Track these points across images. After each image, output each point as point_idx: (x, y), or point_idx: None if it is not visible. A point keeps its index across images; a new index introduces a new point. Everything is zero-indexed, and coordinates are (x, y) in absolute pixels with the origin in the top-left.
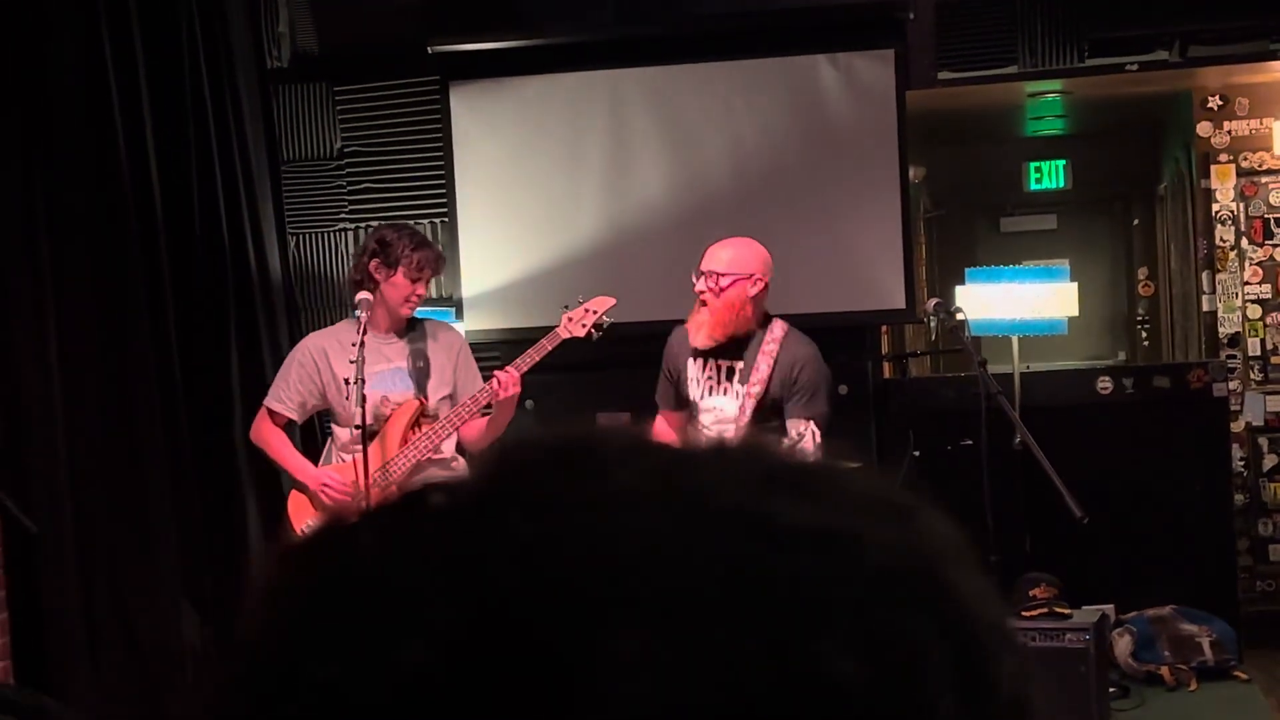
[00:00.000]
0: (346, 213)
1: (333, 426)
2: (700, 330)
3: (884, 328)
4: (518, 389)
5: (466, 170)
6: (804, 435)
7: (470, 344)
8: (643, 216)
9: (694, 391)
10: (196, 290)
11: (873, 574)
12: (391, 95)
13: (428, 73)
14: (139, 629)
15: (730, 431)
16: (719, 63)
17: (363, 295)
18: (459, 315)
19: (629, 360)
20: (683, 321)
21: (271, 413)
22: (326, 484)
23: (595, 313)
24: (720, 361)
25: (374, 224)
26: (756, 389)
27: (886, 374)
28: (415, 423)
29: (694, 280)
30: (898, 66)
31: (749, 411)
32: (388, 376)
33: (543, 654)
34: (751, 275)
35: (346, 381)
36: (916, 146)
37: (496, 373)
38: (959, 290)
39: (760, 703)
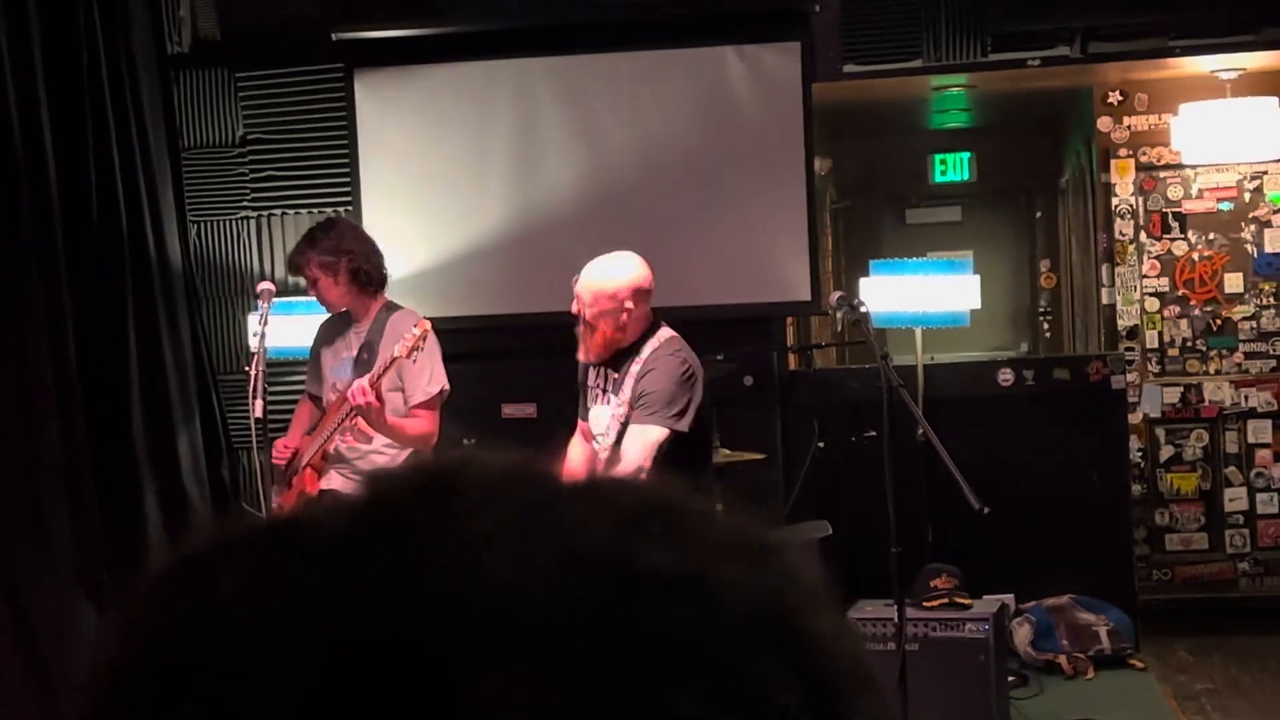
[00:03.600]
0: (249, 200)
1: None
2: (582, 347)
3: (789, 319)
4: (368, 398)
5: (371, 159)
6: (634, 444)
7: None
8: (549, 206)
9: (589, 398)
10: (94, 277)
11: (731, 620)
12: (294, 82)
13: (332, 60)
14: (33, 620)
15: (604, 448)
16: (626, 53)
17: (264, 285)
18: None
19: (535, 351)
20: None
21: (306, 393)
22: (276, 446)
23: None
24: (608, 371)
25: (276, 212)
26: (621, 410)
27: (792, 365)
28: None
29: (573, 297)
30: (804, 59)
31: (613, 433)
32: (344, 364)
33: (400, 705)
34: (620, 304)
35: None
36: (822, 138)
37: (357, 380)
38: (863, 282)
39: None
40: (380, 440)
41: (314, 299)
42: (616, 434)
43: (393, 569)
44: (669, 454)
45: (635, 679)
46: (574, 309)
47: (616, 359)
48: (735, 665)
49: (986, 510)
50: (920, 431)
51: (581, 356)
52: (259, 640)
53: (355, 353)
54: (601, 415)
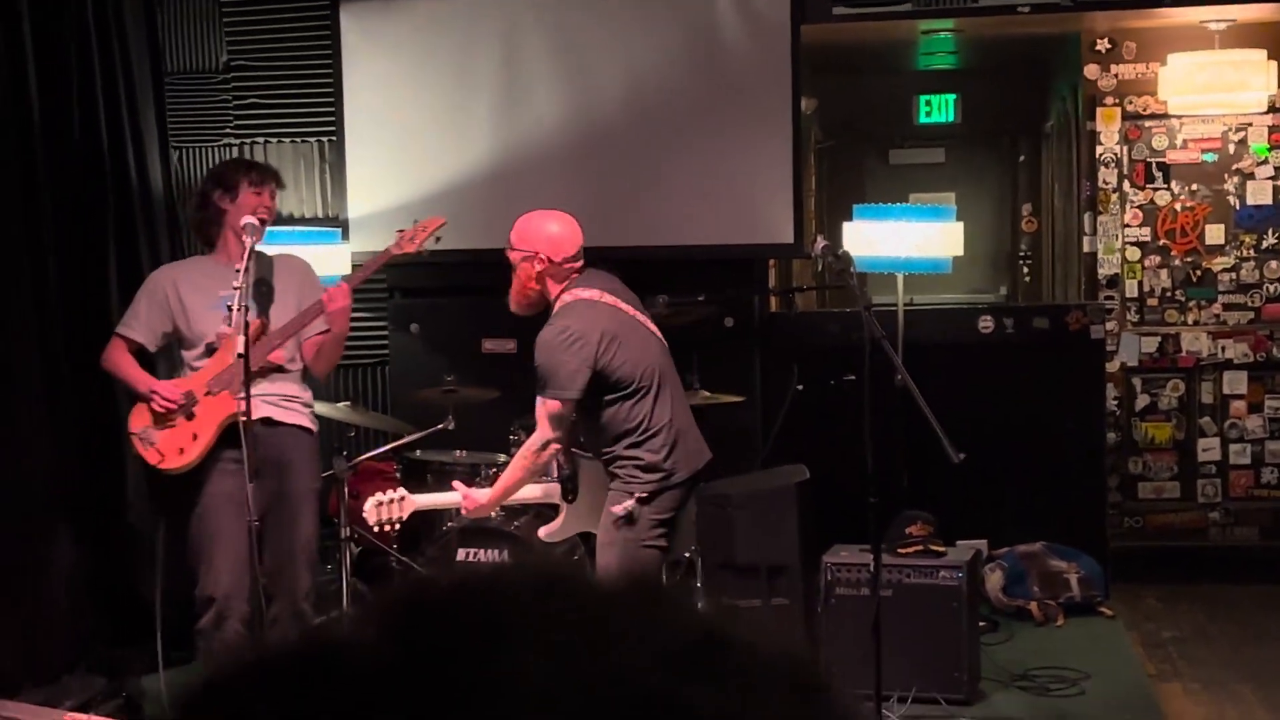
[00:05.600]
0: (231, 128)
1: (180, 352)
2: (509, 297)
3: (771, 261)
4: (348, 300)
5: (356, 89)
6: (537, 418)
7: (355, 265)
8: (534, 141)
9: None
10: (74, 203)
11: None
12: (280, 9)
13: None
14: (11, 546)
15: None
16: None
17: (248, 219)
18: (345, 236)
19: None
20: None
21: (124, 339)
22: (155, 390)
23: (426, 230)
24: None
25: (259, 140)
26: None
27: (773, 308)
28: (255, 342)
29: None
30: (794, 1)
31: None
32: (221, 302)
33: None
34: (536, 253)
35: (229, 306)
36: (808, 78)
37: (328, 286)
38: (845, 226)
39: None
40: (293, 365)
41: (267, 220)
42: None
43: (431, 714)
44: (593, 412)
45: None
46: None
47: (542, 318)
48: None
49: (963, 456)
50: (899, 378)
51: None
52: None
53: (250, 289)
54: None
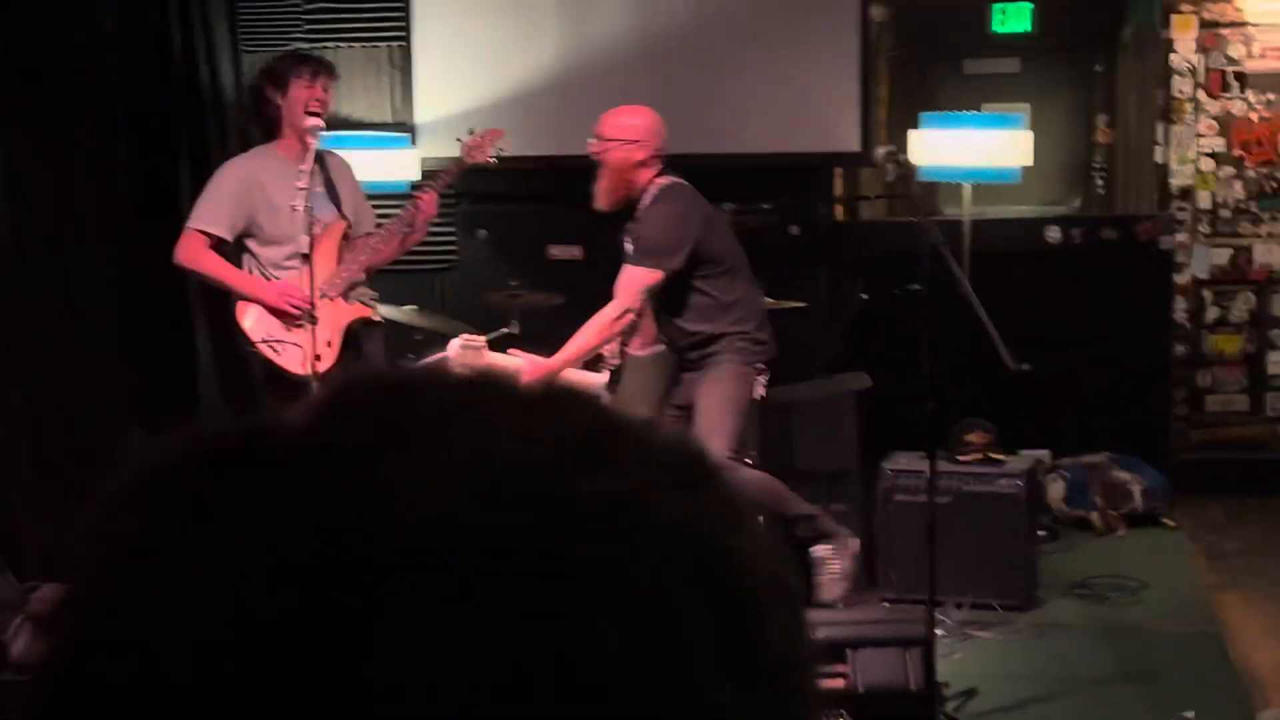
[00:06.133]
0: (301, 33)
1: (256, 249)
2: (597, 194)
3: (838, 170)
4: (436, 210)
5: None
6: (620, 285)
7: (424, 171)
8: (601, 47)
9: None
10: (147, 111)
11: (655, 548)
12: None
13: None
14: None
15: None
16: None
17: (312, 122)
18: (413, 142)
19: (582, 194)
20: None
21: (204, 234)
22: (288, 294)
23: (493, 141)
24: (627, 225)
25: (329, 45)
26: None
27: (839, 217)
28: (345, 241)
29: (590, 143)
30: None
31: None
32: (317, 199)
33: (310, 632)
34: (636, 141)
35: (293, 207)
36: None
37: (418, 194)
38: (913, 135)
39: (538, 677)
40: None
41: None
42: None
43: (332, 495)
44: (688, 293)
45: (558, 605)
46: (590, 148)
47: (630, 209)
48: (652, 593)
49: (1027, 367)
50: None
51: (597, 204)
52: (214, 559)
53: (321, 188)
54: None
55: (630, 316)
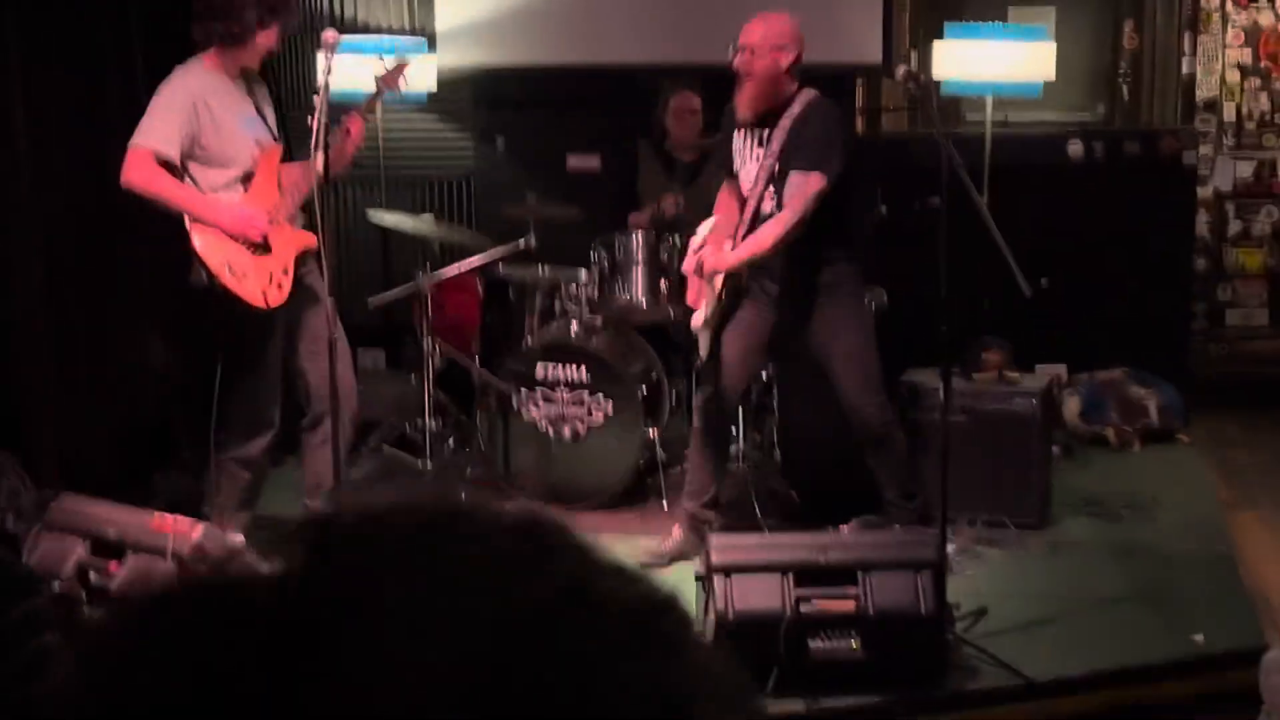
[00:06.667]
0: None
1: (196, 171)
2: (742, 104)
3: (859, 81)
4: (363, 140)
5: None
6: (796, 192)
7: (441, 81)
8: None
9: (736, 163)
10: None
11: None
12: None
13: None
14: (104, 353)
15: (751, 202)
16: None
17: (332, 34)
18: (431, 47)
19: (599, 101)
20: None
21: (152, 153)
22: (252, 220)
23: (401, 71)
24: (757, 130)
25: None
26: (770, 161)
27: (859, 129)
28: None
29: (730, 54)
30: None
31: (762, 180)
32: (255, 122)
33: None
34: (783, 47)
35: (270, 128)
36: None
37: (348, 120)
38: (936, 45)
39: None
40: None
41: (364, 41)
42: (765, 181)
43: (308, 680)
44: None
45: None
46: (735, 61)
47: (769, 118)
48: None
49: (1045, 283)
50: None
51: (741, 113)
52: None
53: (254, 111)
54: (750, 172)
55: (800, 226)
